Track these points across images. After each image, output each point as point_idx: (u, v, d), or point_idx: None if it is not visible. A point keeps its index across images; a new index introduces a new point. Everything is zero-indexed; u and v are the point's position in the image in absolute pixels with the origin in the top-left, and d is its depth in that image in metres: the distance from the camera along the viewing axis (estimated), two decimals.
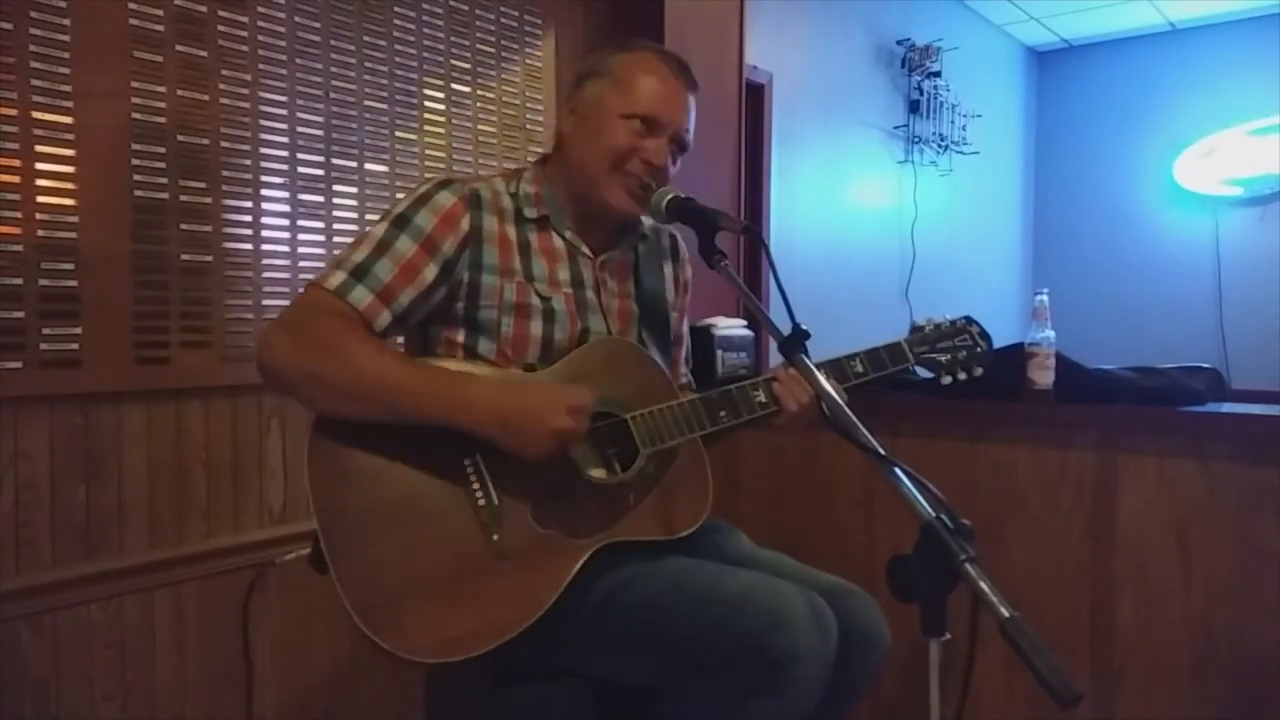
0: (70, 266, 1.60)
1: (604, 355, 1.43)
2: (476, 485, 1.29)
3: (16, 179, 1.54)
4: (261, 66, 1.85)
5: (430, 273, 1.34)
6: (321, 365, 1.25)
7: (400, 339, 1.48)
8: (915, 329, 1.57)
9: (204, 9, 1.76)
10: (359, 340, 1.28)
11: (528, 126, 2.37)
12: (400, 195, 2.06)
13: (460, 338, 1.39)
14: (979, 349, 1.57)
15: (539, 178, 1.48)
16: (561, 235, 1.47)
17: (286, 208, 1.90)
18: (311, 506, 1.24)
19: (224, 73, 1.79)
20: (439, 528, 1.26)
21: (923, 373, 1.59)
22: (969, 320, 1.60)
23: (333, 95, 1.97)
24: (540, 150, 2.12)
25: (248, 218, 1.84)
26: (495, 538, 1.27)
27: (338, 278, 1.30)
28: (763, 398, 1.42)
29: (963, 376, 1.57)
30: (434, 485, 1.26)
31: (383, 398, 1.24)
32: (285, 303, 1.87)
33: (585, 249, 1.48)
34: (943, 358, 1.56)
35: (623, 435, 1.37)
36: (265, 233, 1.86)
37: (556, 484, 1.32)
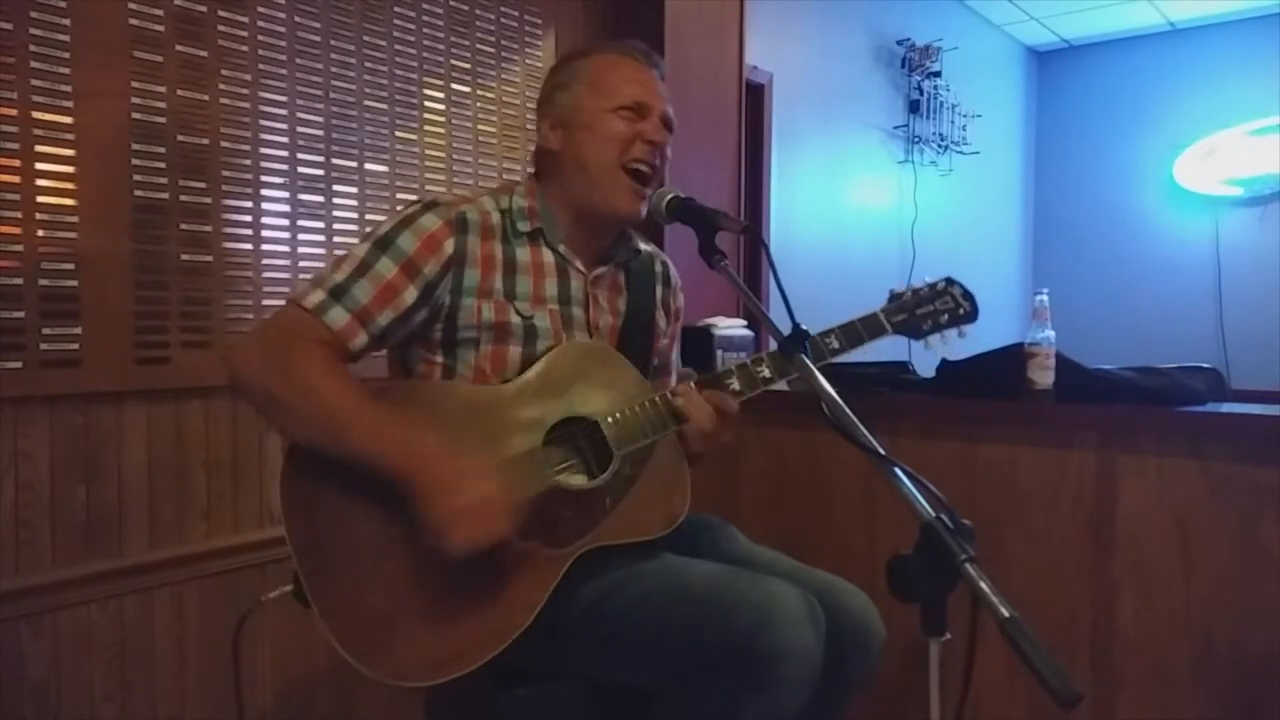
0: (70, 266, 1.60)
1: (576, 359, 1.41)
2: None
3: (16, 179, 1.54)
4: (261, 66, 1.85)
5: (410, 295, 1.33)
6: (280, 387, 1.24)
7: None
8: (894, 297, 1.52)
9: (204, 9, 1.76)
10: (323, 371, 1.25)
11: (528, 126, 2.37)
12: (400, 195, 2.10)
13: (439, 358, 1.39)
14: (962, 310, 1.53)
15: (533, 191, 1.47)
16: (555, 249, 1.45)
17: (286, 208, 1.90)
18: (288, 540, 1.23)
19: (224, 73, 1.79)
20: (417, 550, 1.24)
21: (921, 365, 1.54)
22: (950, 281, 1.54)
23: (333, 95, 1.97)
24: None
25: (248, 218, 1.84)
26: None
27: (316, 296, 1.30)
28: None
29: (950, 335, 1.51)
30: (408, 508, 1.22)
31: (325, 424, 1.22)
32: (284, 303, 1.88)
33: (578, 263, 1.47)
34: (924, 323, 1.51)
35: (597, 438, 1.36)
36: (265, 233, 1.86)
37: (533, 495, 1.31)
